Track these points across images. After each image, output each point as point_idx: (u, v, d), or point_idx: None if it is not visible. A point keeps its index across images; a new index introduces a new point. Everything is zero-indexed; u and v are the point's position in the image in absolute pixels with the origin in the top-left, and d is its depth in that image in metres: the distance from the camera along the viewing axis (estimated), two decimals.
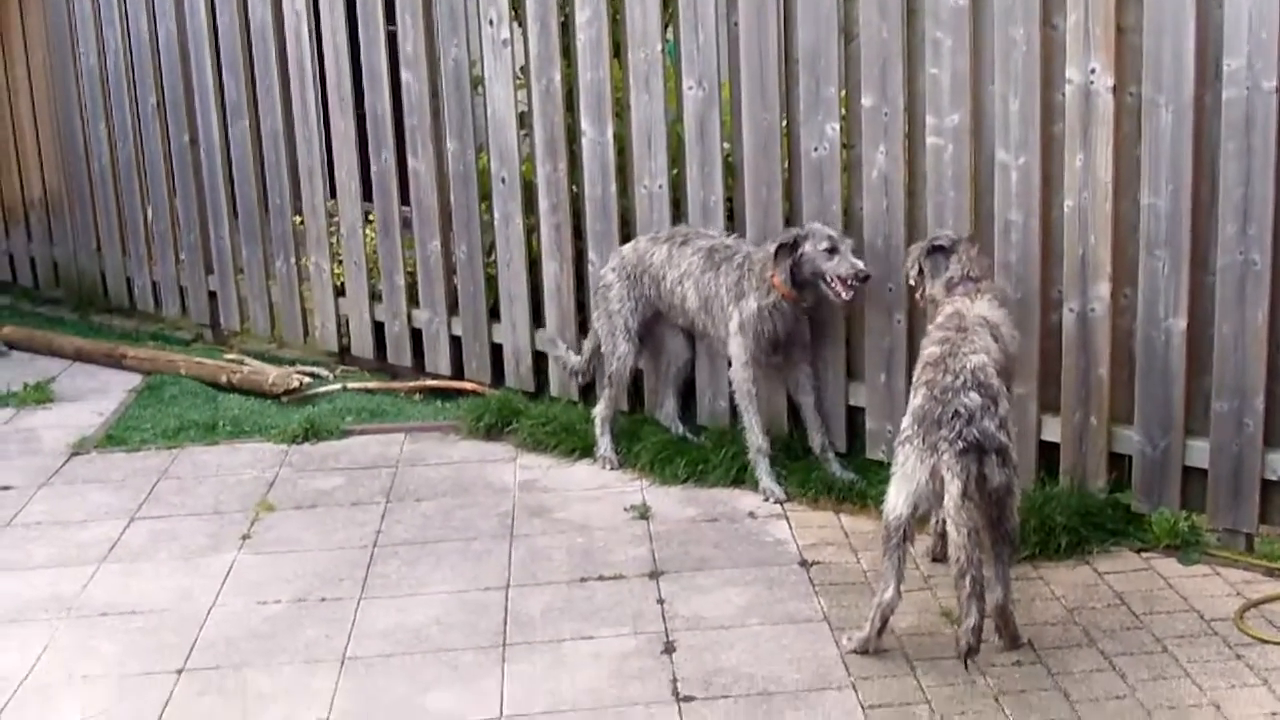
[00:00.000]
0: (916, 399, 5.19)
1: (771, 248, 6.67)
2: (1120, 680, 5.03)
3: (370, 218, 8.88)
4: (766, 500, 6.69)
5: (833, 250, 6.52)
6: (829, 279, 6.49)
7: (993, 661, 5.17)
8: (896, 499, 5.14)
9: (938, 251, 5.96)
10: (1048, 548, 5.96)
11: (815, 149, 6.79)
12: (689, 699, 5.04)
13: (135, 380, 9.03)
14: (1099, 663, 5.16)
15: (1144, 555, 5.98)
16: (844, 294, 6.51)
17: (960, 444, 4.98)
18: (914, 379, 5.34)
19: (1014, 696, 4.94)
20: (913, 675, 5.11)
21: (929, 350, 5.34)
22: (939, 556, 5.84)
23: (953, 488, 4.96)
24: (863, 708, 4.92)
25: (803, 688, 5.07)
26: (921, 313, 6.47)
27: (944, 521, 5.37)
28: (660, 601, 5.79)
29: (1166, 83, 5.79)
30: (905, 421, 5.21)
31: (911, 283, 6.15)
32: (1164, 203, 5.88)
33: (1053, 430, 6.36)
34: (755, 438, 6.83)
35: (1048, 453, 6.40)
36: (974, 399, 5.06)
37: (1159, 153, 5.86)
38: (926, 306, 6.05)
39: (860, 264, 6.46)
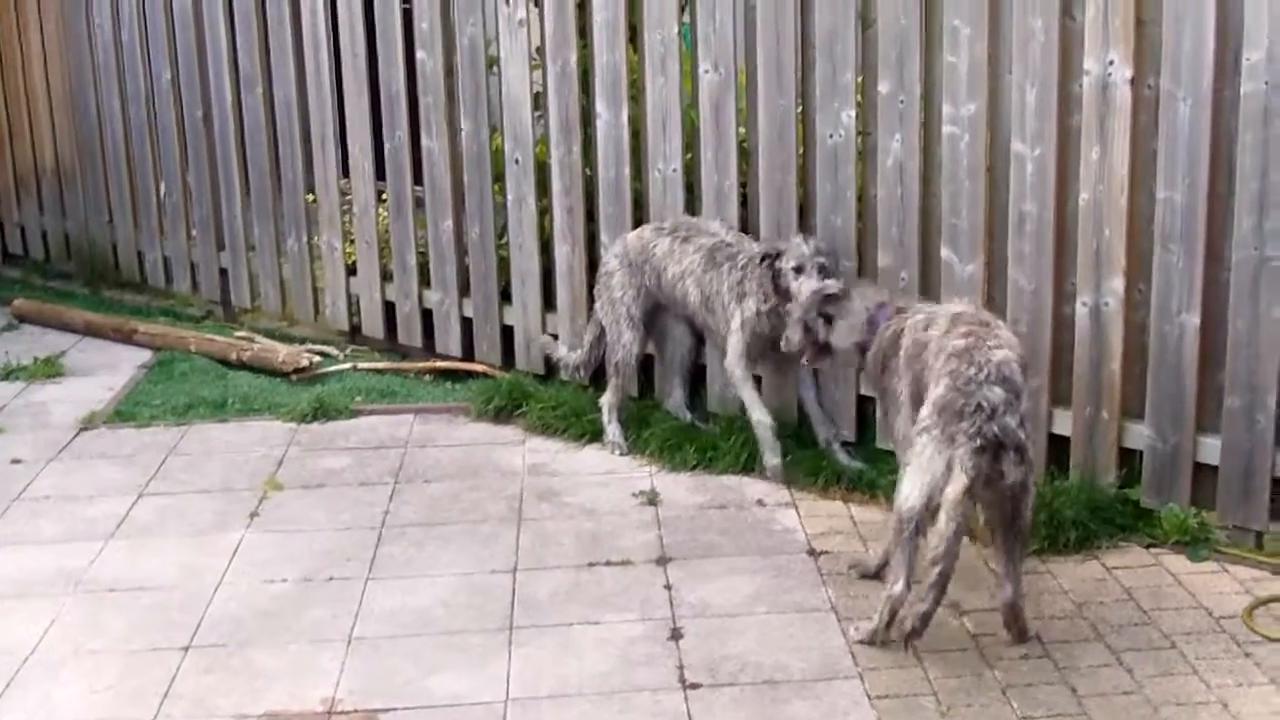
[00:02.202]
0: (939, 389, 5.12)
1: (756, 257, 6.72)
2: (1128, 676, 5.01)
3: (383, 197, 8.87)
4: (765, 477, 6.73)
5: (799, 269, 6.49)
6: (793, 297, 6.46)
7: (1000, 655, 5.16)
8: (911, 490, 5.08)
9: (830, 301, 6.00)
10: (1056, 542, 5.94)
11: (831, 135, 6.77)
12: (695, 686, 5.04)
13: (145, 356, 9.03)
14: (1106, 658, 5.14)
15: (1153, 551, 5.96)
16: None
17: (979, 440, 4.94)
18: (933, 369, 5.27)
19: (1020, 690, 4.93)
20: (920, 666, 5.10)
21: (954, 343, 5.24)
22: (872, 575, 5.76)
23: (957, 482, 4.93)
24: (869, 698, 4.91)
25: (809, 677, 5.07)
26: (936, 300, 6.47)
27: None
28: (668, 587, 5.78)
29: (1185, 75, 5.77)
30: (924, 411, 5.15)
31: (797, 341, 6.14)
32: (1180, 196, 5.85)
33: (1063, 424, 6.35)
34: (757, 412, 6.83)
35: (1058, 446, 6.38)
36: (998, 393, 5.00)
37: (1176, 146, 5.83)
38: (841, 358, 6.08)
39: (824, 284, 6.27)
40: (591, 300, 7.64)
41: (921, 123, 6.52)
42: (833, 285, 6.12)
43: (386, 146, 8.63)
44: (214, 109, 9.55)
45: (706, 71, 7.13)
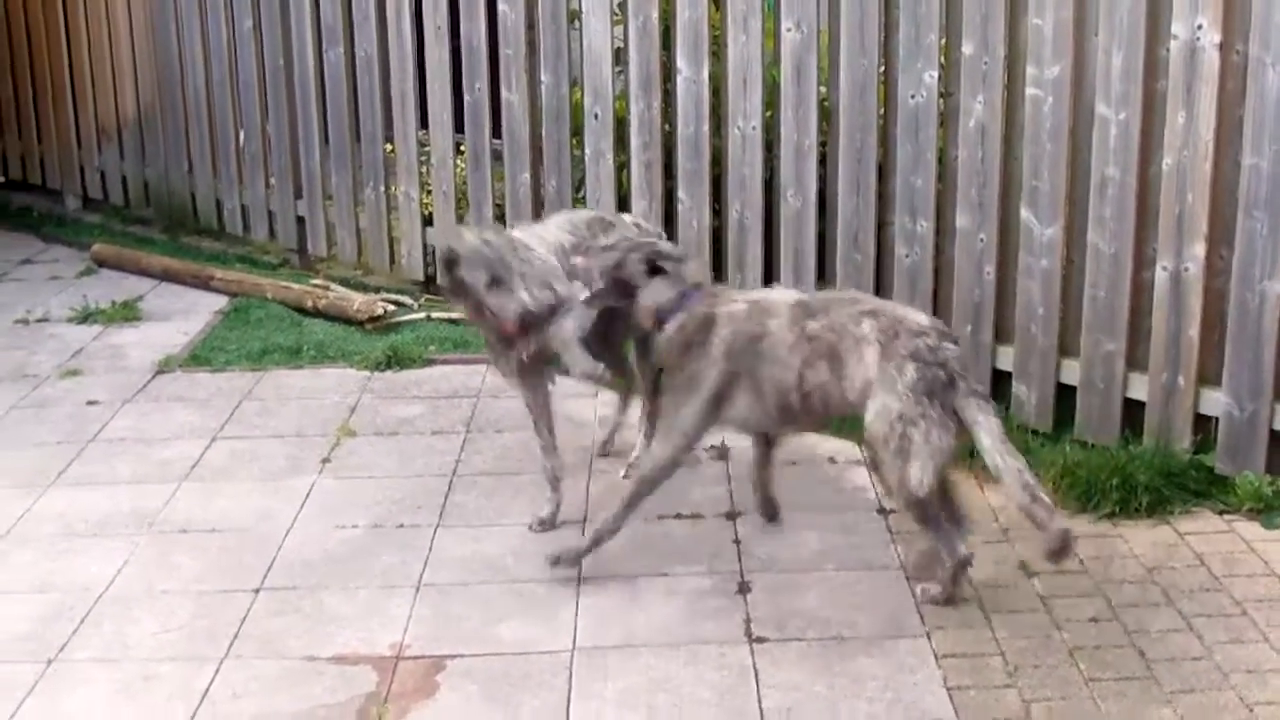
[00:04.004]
0: (906, 378, 4.94)
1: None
2: (1197, 641, 4.97)
3: (461, 149, 8.88)
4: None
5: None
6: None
7: (1068, 617, 5.14)
8: (923, 475, 4.95)
9: (667, 258, 5.62)
10: (1128, 506, 5.91)
11: (912, 96, 6.72)
12: (762, 640, 5.04)
13: (221, 302, 9.10)
14: (1176, 623, 5.11)
15: (1226, 518, 5.91)
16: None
17: (979, 389, 5.04)
18: (846, 360, 5.13)
19: (1089, 652, 4.90)
20: (988, 626, 5.09)
21: (855, 329, 5.12)
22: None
23: (992, 426, 4.94)
24: (936, 657, 4.90)
25: (876, 634, 5.07)
26: (1013, 262, 6.43)
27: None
28: (736, 542, 5.79)
29: (1275, 41, 5.68)
30: (900, 406, 4.95)
31: (598, 284, 5.66)
32: (1266, 163, 5.77)
33: (1139, 388, 6.29)
34: None
35: (1132, 411, 6.34)
36: (951, 347, 5.05)
37: (1263, 112, 5.75)
38: (644, 321, 5.62)
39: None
40: None
41: (1005, 85, 6.47)
42: (673, 247, 5.86)
43: (466, 99, 8.64)
44: (295, 58, 9.59)
45: (789, 30, 7.09)
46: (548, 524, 5.99)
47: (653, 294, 5.55)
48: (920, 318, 5.18)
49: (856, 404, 5.13)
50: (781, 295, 5.54)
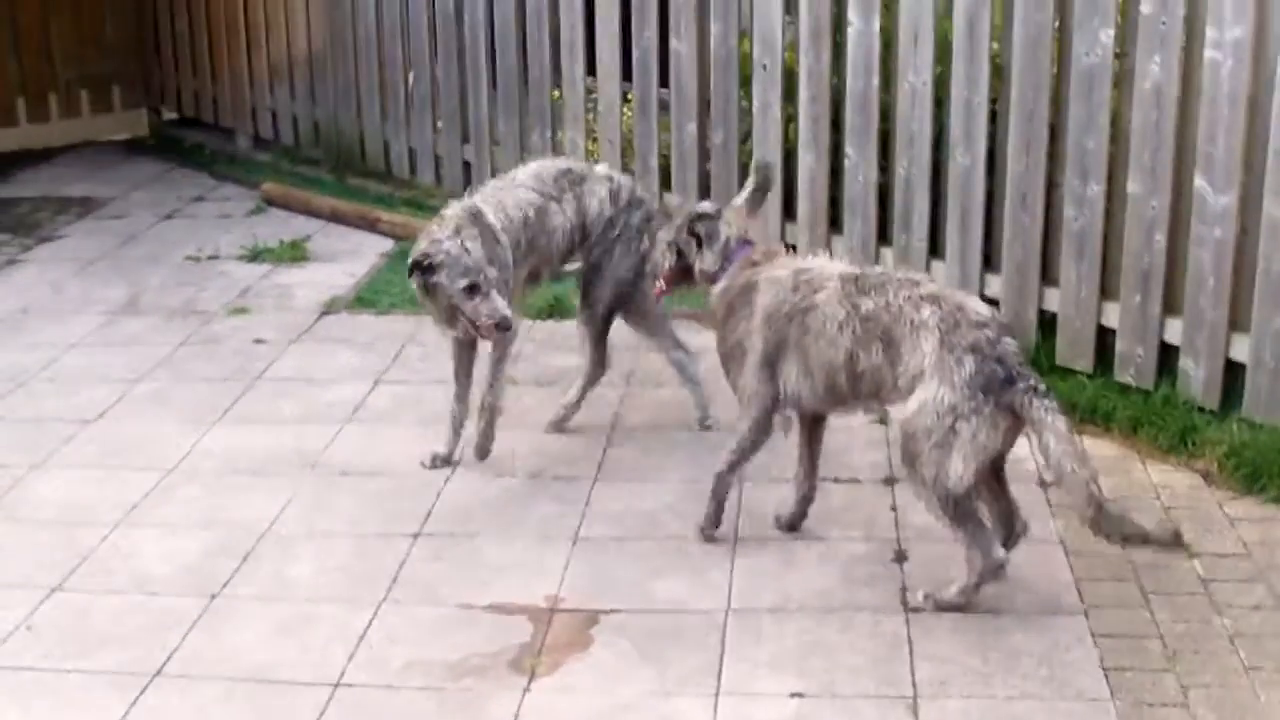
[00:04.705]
0: (965, 370, 4.76)
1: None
2: None
3: (628, 97, 8.87)
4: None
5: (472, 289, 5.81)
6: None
7: (1229, 602, 5.04)
8: (965, 471, 4.80)
9: (703, 220, 5.55)
10: None
11: (1087, 54, 6.58)
12: (917, 610, 5.01)
13: (387, 245, 9.19)
14: None
15: None
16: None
17: (1041, 385, 4.82)
18: (899, 343, 4.95)
19: (1250, 640, 4.81)
20: (1147, 608, 5.01)
21: (915, 314, 4.92)
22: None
23: (1060, 430, 4.73)
24: (1093, 636, 4.84)
25: (1033, 610, 5.01)
26: (1185, 231, 6.29)
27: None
28: (894, 509, 5.75)
29: None
30: (954, 399, 4.78)
31: (667, 266, 5.67)
32: None
33: None
34: None
35: None
36: (1010, 342, 4.86)
37: None
38: (700, 283, 5.62)
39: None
40: (833, 212, 7.56)
41: (1183, 46, 6.31)
42: (708, 205, 5.79)
43: (634, 48, 8.62)
44: (465, 3, 9.62)
45: None
46: (439, 460, 6.20)
47: (704, 262, 5.53)
48: (982, 308, 4.98)
49: (904, 392, 4.91)
50: (831, 265, 5.35)
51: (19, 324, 8.11)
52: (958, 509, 4.90)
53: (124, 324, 8.07)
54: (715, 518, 5.54)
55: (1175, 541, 4.95)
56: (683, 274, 5.63)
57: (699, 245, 5.51)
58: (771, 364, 5.28)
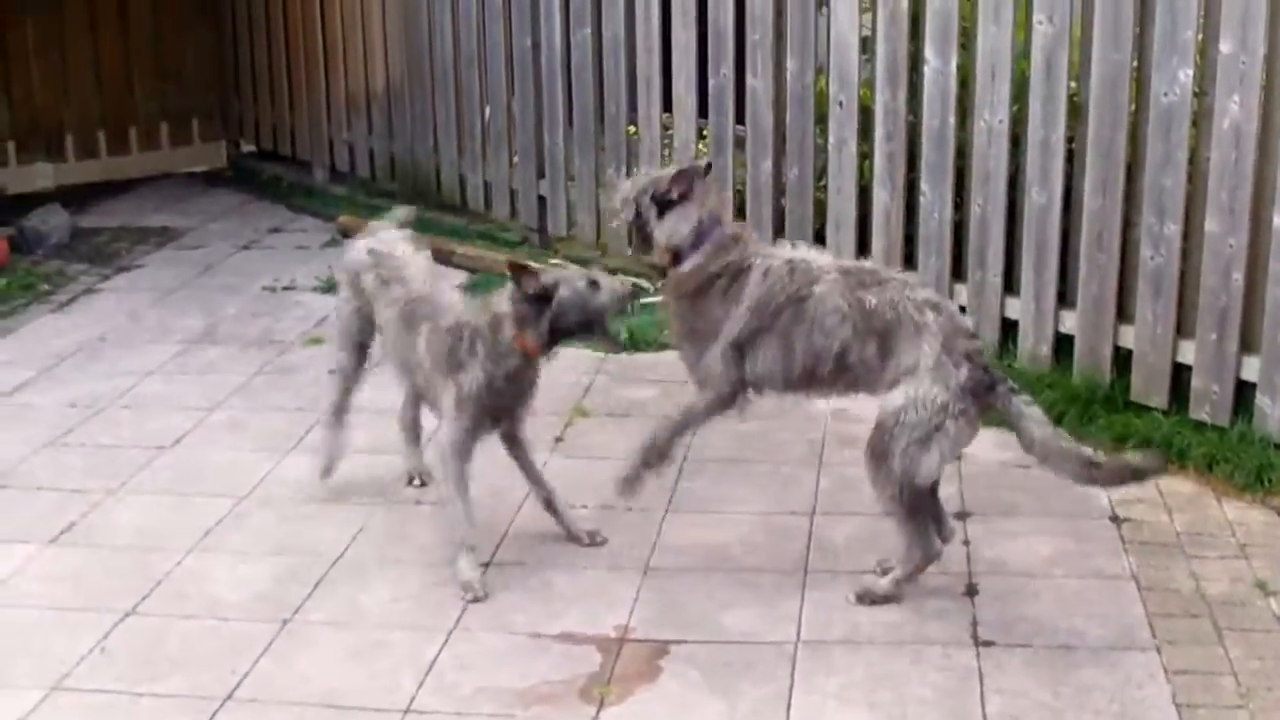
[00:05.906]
0: (961, 375, 4.97)
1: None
2: None
3: (704, 134, 8.89)
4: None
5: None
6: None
7: None
8: (937, 467, 5.08)
9: (677, 183, 5.40)
10: None
11: (1165, 94, 6.56)
12: (988, 644, 4.99)
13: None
14: None
15: None
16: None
17: (1019, 387, 5.15)
18: (921, 350, 5.04)
19: None
20: (1220, 644, 4.97)
21: (918, 316, 5.07)
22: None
23: (1040, 416, 5.10)
24: (1166, 672, 4.80)
25: (1105, 645, 4.98)
26: (1263, 269, 6.24)
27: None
28: (965, 543, 5.72)
29: None
30: (946, 397, 4.97)
31: (625, 226, 5.59)
32: None
33: None
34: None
35: None
36: (976, 340, 5.22)
37: None
38: (660, 259, 5.53)
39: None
40: (908, 249, 7.56)
41: (1263, 85, 6.28)
42: (683, 170, 5.53)
43: (710, 83, 8.65)
44: (543, 39, 9.68)
45: (1040, 22, 6.97)
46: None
47: (666, 232, 5.44)
48: (967, 322, 5.30)
49: (887, 385, 5.10)
50: (821, 257, 5.43)
51: (97, 352, 8.20)
52: (914, 502, 5.10)
53: (200, 353, 8.15)
54: (634, 481, 5.57)
55: (1163, 465, 5.41)
56: (643, 236, 5.54)
57: (659, 214, 5.45)
58: (742, 347, 5.31)
